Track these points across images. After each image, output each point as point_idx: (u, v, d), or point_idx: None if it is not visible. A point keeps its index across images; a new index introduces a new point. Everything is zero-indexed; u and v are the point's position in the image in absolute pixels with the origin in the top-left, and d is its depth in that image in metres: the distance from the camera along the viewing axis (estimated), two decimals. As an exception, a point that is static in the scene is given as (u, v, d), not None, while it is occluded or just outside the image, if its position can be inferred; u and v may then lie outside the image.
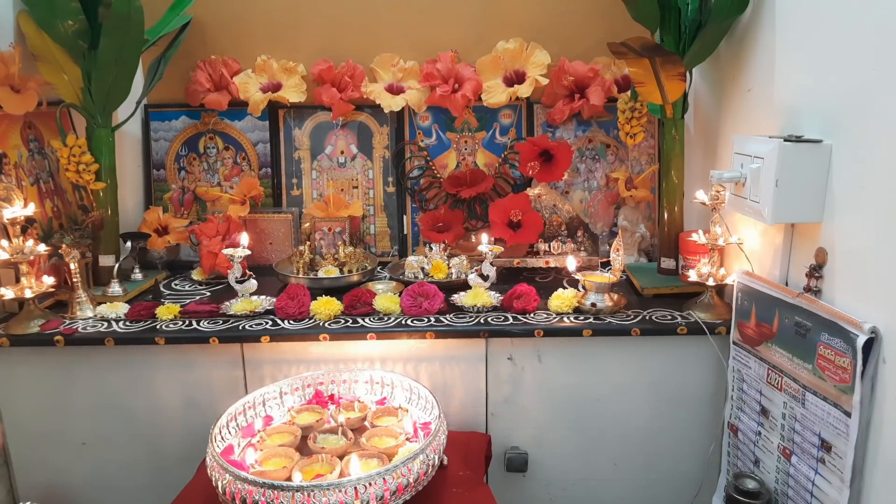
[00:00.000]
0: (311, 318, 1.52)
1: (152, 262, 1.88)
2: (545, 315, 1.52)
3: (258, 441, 1.25)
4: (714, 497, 1.49)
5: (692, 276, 1.49)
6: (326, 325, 1.48)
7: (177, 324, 1.50)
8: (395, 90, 1.92)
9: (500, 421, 1.55)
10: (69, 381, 1.51)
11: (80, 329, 1.47)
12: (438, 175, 1.97)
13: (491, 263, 1.58)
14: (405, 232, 1.99)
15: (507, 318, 1.50)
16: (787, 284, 1.31)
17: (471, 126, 1.97)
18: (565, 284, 1.66)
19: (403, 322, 1.49)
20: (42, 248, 1.44)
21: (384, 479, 1.06)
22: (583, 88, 1.87)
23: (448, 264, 1.74)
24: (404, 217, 1.99)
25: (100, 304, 1.57)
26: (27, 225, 1.54)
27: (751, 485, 1.29)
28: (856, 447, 1.07)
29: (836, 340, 1.10)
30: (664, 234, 1.69)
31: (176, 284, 1.79)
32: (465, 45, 1.92)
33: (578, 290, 1.57)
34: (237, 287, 1.57)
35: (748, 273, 1.37)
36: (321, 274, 1.72)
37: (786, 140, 1.19)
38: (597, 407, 1.53)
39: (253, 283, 1.59)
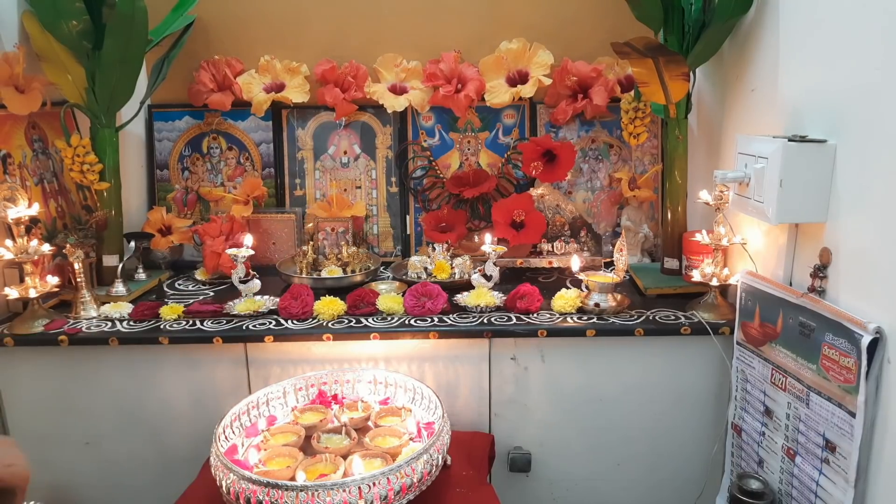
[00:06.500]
0: (314, 318, 1.52)
1: (156, 262, 1.88)
2: (548, 315, 1.52)
3: (262, 441, 1.25)
4: (718, 497, 1.49)
5: (696, 276, 1.49)
6: (330, 324, 1.49)
7: (180, 324, 1.50)
8: (398, 90, 1.92)
9: (504, 421, 1.55)
10: (73, 381, 1.52)
11: (83, 329, 1.48)
12: (441, 175, 1.97)
13: (494, 263, 1.58)
14: (408, 232, 1.99)
15: (510, 319, 1.50)
16: (791, 284, 1.31)
17: (474, 126, 1.97)
18: (568, 284, 1.66)
19: (407, 322, 1.49)
20: (46, 247, 1.44)
21: (388, 478, 1.06)
22: (586, 88, 1.87)
23: (451, 264, 1.74)
24: (407, 217, 1.99)
25: (104, 303, 1.58)
26: (31, 225, 1.54)
27: (755, 485, 1.29)
28: (860, 447, 1.07)
29: (841, 341, 1.09)
30: (667, 234, 1.69)
31: (179, 284, 1.79)
32: (468, 46, 1.92)
33: (582, 290, 1.56)
34: (241, 287, 1.58)
35: (752, 273, 1.37)
36: (324, 274, 1.72)
37: (790, 140, 1.19)
38: (600, 407, 1.53)
39: (256, 283, 1.59)
